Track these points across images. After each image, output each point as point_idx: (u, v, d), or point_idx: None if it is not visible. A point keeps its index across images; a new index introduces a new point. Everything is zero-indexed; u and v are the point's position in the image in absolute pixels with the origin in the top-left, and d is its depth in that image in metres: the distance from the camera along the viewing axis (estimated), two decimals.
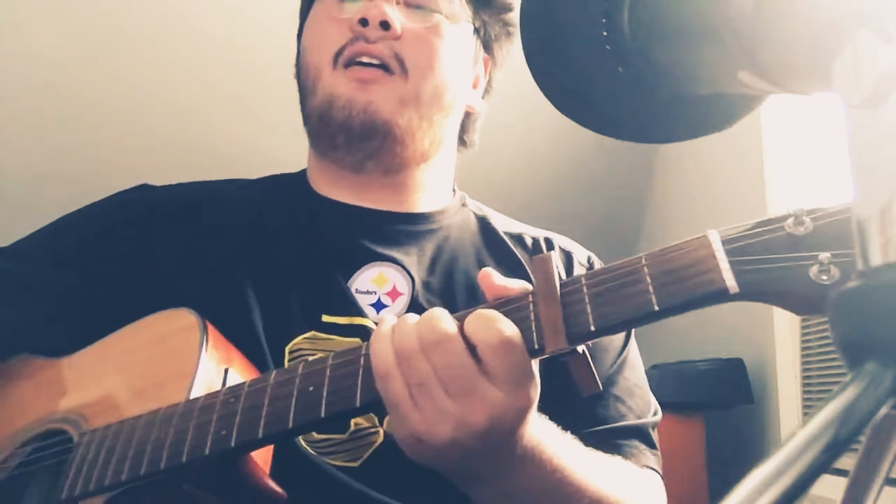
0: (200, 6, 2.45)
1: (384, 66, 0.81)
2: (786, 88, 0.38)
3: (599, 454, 0.72)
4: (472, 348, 0.54)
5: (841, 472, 0.34)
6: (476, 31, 0.88)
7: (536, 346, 0.54)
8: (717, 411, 2.29)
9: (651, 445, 0.81)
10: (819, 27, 0.33)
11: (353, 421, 0.75)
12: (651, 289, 0.51)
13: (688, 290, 0.50)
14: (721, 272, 0.50)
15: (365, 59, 0.81)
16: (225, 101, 2.62)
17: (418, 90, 0.81)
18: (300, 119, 0.90)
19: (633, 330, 0.86)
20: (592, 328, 0.52)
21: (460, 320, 0.56)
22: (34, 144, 2.69)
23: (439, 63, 0.83)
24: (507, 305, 0.57)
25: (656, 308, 0.51)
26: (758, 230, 0.51)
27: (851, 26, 0.32)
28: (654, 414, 0.83)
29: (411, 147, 0.84)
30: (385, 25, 0.80)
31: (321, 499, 0.71)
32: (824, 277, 0.46)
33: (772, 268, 0.49)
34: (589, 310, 0.53)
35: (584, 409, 0.78)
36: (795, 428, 0.28)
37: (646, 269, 0.53)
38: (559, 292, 0.54)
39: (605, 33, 0.43)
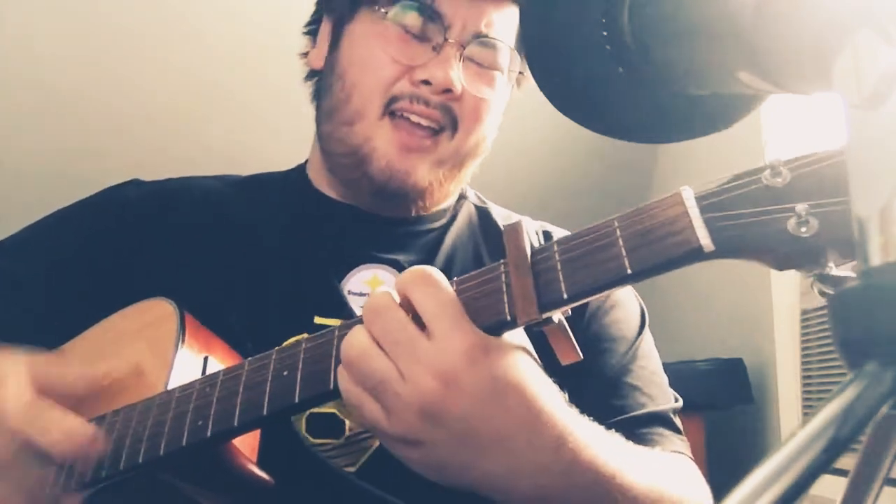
0: (201, 7, 2.45)
1: (434, 128, 0.80)
2: (786, 88, 0.38)
3: (640, 448, 0.68)
4: (408, 309, 0.53)
5: (841, 472, 0.34)
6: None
7: (509, 318, 0.52)
8: (717, 411, 2.29)
9: (676, 430, 0.78)
10: (819, 27, 0.33)
11: (347, 426, 0.75)
12: (623, 252, 0.49)
13: (661, 251, 0.48)
14: (695, 230, 0.47)
15: (415, 119, 0.79)
16: (225, 102, 2.62)
17: (460, 147, 0.81)
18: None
19: (646, 319, 0.85)
20: (565, 295, 0.50)
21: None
22: (33, 144, 2.68)
23: (487, 121, 0.83)
24: (479, 277, 0.55)
25: (629, 272, 0.49)
26: (733, 184, 0.48)
27: (851, 26, 0.32)
28: (676, 400, 0.81)
29: (437, 197, 0.85)
30: (447, 90, 0.78)
31: (323, 495, 0.72)
32: (803, 230, 0.44)
33: (748, 223, 0.46)
34: (561, 277, 0.51)
35: (600, 402, 0.74)
36: (795, 428, 0.28)
37: (618, 231, 0.51)
38: (530, 261, 0.53)
39: (605, 33, 0.43)
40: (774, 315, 2.14)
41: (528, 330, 0.53)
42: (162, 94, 2.64)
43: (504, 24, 0.82)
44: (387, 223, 0.86)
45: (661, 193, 0.50)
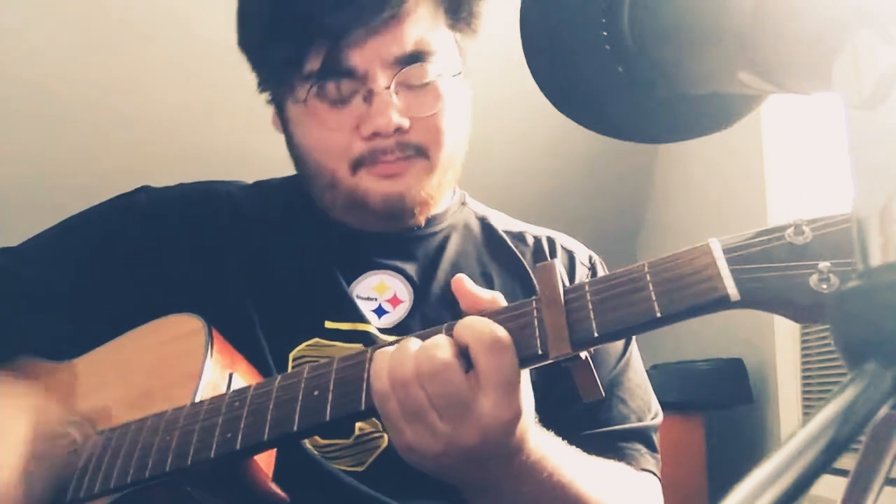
0: (202, 8, 2.45)
1: (407, 155, 0.80)
2: (786, 88, 0.38)
3: (599, 463, 0.73)
4: (465, 360, 0.55)
5: (841, 472, 0.34)
6: (457, 48, 0.85)
7: (540, 352, 0.54)
8: (717, 411, 2.29)
9: (652, 448, 0.81)
10: (819, 27, 0.33)
11: (357, 426, 0.75)
12: (653, 296, 0.52)
13: (690, 297, 0.51)
14: (722, 279, 0.50)
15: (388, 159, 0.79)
16: (226, 103, 2.62)
17: (439, 161, 0.81)
18: None
19: None
20: (596, 334, 0.53)
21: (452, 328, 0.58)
22: (33, 146, 2.69)
23: (449, 132, 0.81)
24: (512, 311, 0.58)
25: (658, 315, 0.51)
26: (758, 239, 0.51)
27: (851, 26, 0.32)
28: (655, 416, 0.84)
29: (437, 199, 0.85)
30: (398, 129, 0.77)
31: (327, 502, 0.72)
32: (824, 286, 0.47)
33: (772, 276, 0.49)
34: (592, 316, 0.54)
35: (587, 410, 0.79)
36: (795, 428, 0.28)
37: (648, 276, 0.53)
38: (563, 299, 0.55)
39: (605, 33, 0.43)
40: (775, 315, 2.14)
41: (555, 365, 0.56)
42: (163, 96, 2.64)
43: (414, 29, 0.78)
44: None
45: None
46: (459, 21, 0.83)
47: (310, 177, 0.84)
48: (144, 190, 0.91)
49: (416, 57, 0.78)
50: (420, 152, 0.79)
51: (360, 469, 0.74)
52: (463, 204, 0.94)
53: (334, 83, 0.77)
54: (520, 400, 0.56)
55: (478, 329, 0.55)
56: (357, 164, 0.79)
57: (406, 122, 0.77)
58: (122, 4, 2.44)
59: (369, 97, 0.77)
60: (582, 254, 0.90)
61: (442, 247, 0.87)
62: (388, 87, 0.76)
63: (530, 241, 0.89)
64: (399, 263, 0.84)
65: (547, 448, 0.62)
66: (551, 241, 0.90)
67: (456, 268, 0.85)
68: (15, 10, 2.41)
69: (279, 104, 0.85)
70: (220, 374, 0.69)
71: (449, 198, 0.93)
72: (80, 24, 2.47)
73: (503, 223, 0.92)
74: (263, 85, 0.86)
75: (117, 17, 2.47)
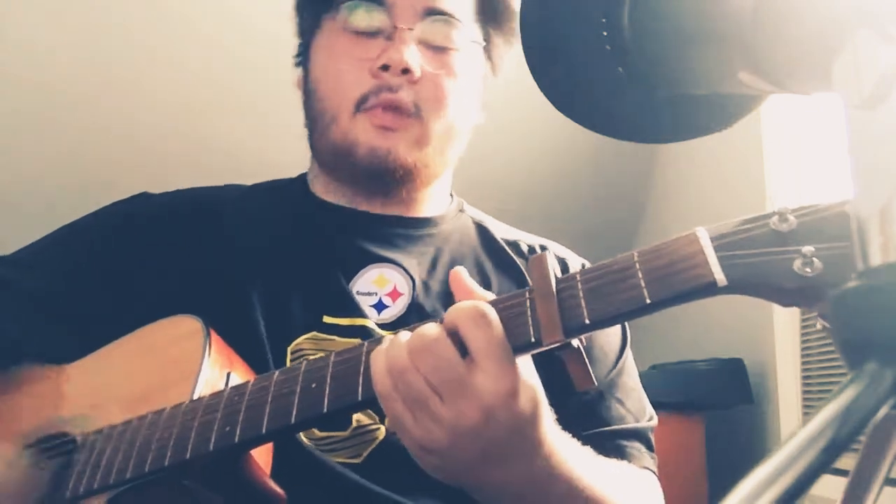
0: (203, 8, 2.45)
1: (406, 110, 0.82)
2: (786, 88, 0.38)
3: (611, 464, 0.74)
4: (456, 340, 0.56)
5: (841, 472, 0.34)
6: (484, 49, 0.89)
7: (533, 339, 0.55)
8: (717, 411, 2.29)
9: (650, 448, 0.83)
10: (819, 27, 0.33)
11: (354, 418, 0.76)
12: (643, 283, 0.53)
13: (678, 283, 0.52)
14: (710, 266, 0.51)
15: (385, 101, 0.82)
16: (228, 104, 2.61)
17: (432, 131, 0.84)
18: (302, 123, 0.90)
19: (628, 336, 0.88)
20: (587, 321, 0.54)
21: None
22: (33, 148, 2.68)
23: (452, 103, 0.85)
24: (505, 301, 0.59)
25: (648, 301, 0.52)
26: (744, 227, 0.53)
27: (851, 26, 0.32)
28: (650, 419, 0.85)
29: (425, 177, 0.86)
30: (406, 70, 0.81)
31: (323, 494, 0.72)
32: (808, 270, 0.48)
33: (758, 261, 0.50)
34: (584, 304, 0.55)
35: (586, 410, 0.80)
36: (795, 428, 0.28)
37: (637, 264, 0.55)
38: (555, 288, 0.56)
39: (605, 33, 0.43)
40: (774, 315, 2.15)
41: (548, 354, 0.56)
42: (164, 96, 2.64)
43: None
44: (388, 224, 0.88)
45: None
46: (491, 12, 0.88)
47: (313, 118, 0.87)
48: (142, 196, 0.92)
49: (443, 13, 0.84)
50: (417, 113, 0.82)
51: (357, 461, 0.74)
52: (461, 211, 0.95)
53: (365, 8, 0.83)
54: (517, 372, 0.56)
55: (463, 307, 0.57)
56: (360, 104, 0.82)
57: (417, 68, 0.82)
58: (122, 5, 2.44)
59: (392, 34, 0.82)
60: (575, 262, 0.92)
61: (441, 246, 0.88)
62: (412, 29, 0.82)
63: (525, 249, 0.91)
64: (398, 257, 0.85)
65: (573, 459, 0.62)
66: (544, 250, 0.91)
67: (455, 265, 0.86)
68: (15, 10, 2.41)
69: (309, 40, 0.89)
70: (218, 373, 0.70)
71: (447, 204, 0.94)
72: (81, 24, 2.47)
73: (500, 230, 0.94)
74: (301, 23, 0.91)
75: (117, 18, 2.47)
